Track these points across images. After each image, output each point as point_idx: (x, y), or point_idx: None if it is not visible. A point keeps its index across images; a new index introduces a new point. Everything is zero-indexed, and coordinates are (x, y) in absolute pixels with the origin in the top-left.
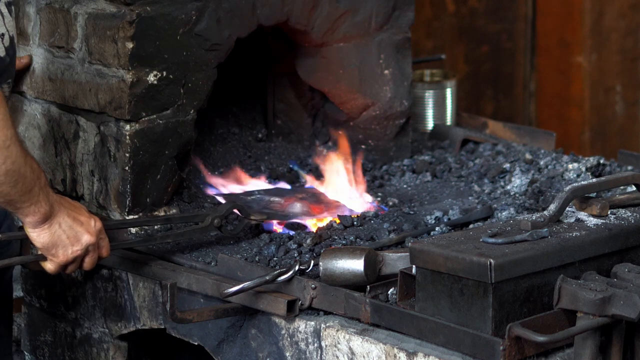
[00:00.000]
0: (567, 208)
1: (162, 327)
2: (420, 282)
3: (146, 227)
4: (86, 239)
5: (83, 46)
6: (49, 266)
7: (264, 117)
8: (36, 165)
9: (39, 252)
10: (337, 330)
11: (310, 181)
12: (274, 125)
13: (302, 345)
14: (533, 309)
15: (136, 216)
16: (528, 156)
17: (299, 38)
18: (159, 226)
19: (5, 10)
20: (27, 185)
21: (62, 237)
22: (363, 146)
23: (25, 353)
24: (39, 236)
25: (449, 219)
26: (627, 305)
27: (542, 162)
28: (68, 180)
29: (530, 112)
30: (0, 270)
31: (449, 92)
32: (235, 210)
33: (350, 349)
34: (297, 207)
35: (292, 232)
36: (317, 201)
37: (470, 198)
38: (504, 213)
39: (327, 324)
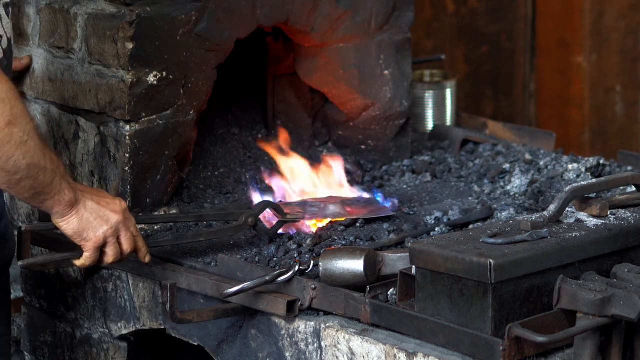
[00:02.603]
0: (567, 208)
1: (162, 327)
2: (420, 283)
3: (145, 227)
4: (114, 217)
5: (83, 47)
6: (86, 254)
7: (263, 118)
8: (54, 155)
9: (72, 241)
10: (337, 331)
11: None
12: (274, 126)
13: (302, 345)
14: (533, 309)
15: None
16: (528, 156)
17: (299, 38)
18: (158, 226)
19: (2, 12)
20: (48, 177)
21: (90, 219)
22: (363, 146)
23: (25, 353)
24: (68, 223)
25: (448, 219)
26: (627, 305)
27: (542, 163)
28: None
29: (530, 112)
30: (1, 268)
31: (448, 93)
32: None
33: (350, 349)
34: (331, 209)
35: (291, 232)
36: (368, 204)
37: (470, 198)
38: (503, 213)
39: (327, 325)
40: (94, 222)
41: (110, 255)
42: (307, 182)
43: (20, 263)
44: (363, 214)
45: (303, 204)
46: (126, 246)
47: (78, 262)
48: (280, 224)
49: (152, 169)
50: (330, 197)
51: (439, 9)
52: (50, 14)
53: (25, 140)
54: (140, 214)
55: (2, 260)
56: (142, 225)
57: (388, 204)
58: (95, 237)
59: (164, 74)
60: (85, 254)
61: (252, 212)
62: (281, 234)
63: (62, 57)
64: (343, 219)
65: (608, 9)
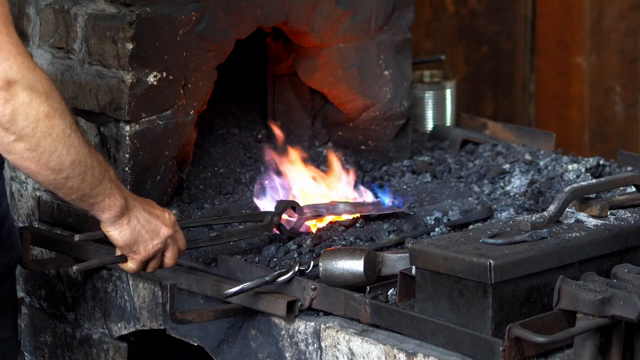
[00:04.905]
0: (567, 209)
1: (162, 327)
2: (420, 283)
3: None
4: (164, 231)
5: (83, 47)
6: (131, 266)
7: (263, 118)
8: (101, 157)
9: (119, 252)
10: (337, 331)
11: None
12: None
13: (302, 345)
14: (533, 309)
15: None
16: (528, 157)
17: (299, 39)
18: None
19: None
20: (96, 177)
21: (142, 232)
22: (363, 147)
23: (25, 354)
24: (120, 234)
25: (448, 219)
26: (627, 305)
27: (541, 163)
28: None
29: (529, 112)
30: (5, 272)
31: (448, 93)
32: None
33: (350, 349)
34: (340, 207)
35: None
36: (376, 205)
37: (469, 199)
38: (503, 214)
39: (327, 325)
40: (145, 235)
41: (151, 268)
42: (316, 190)
43: (75, 268)
44: (373, 212)
45: (313, 206)
46: (170, 261)
47: (124, 267)
48: (300, 222)
49: (152, 169)
50: (335, 201)
51: (438, 9)
52: (51, 15)
53: (68, 134)
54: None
55: (6, 264)
56: None
57: (395, 204)
58: (145, 251)
59: (164, 74)
60: (130, 265)
61: (275, 211)
62: (300, 233)
63: (62, 58)
64: (355, 215)
65: (608, 10)
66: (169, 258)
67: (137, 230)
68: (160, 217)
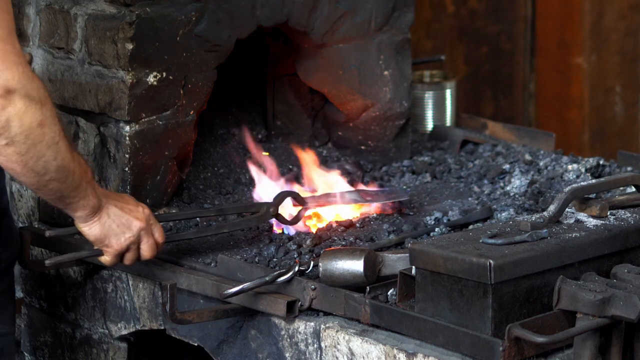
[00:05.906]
0: (567, 209)
1: (162, 327)
2: (420, 283)
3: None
4: (136, 224)
5: (83, 47)
6: (106, 258)
7: (263, 118)
8: (82, 160)
9: (94, 246)
10: (337, 331)
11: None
12: (273, 126)
13: (302, 346)
14: (533, 309)
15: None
16: (527, 157)
17: (299, 39)
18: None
19: None
20: (75, 180)
21: (112, 226)
22: (363, 147)
23: (25, 354)
24: (90, 229)
25: (448, 219)
26: (627, 306)
27: (541, 163)
28: None
29: (529, 113)
30: (5, 267)
31: (448, 93)
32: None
33: (350, 349)
34: (347, 197)
35: (292, 233)
36: (384, 192)
37: (469, 199)
38: (503, 214)
39: (327, 325)
40: (116, 229)
41: (128, 260)
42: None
43: (47, 262)
44: (381, 200)
45: (321, 196)
46: (147, 253)
47: (101, 259)
48: (302, 212)
49: (151, 169)
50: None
51: (438, 9)
52: (50, 15)
53: (57, 141)
54: (161, 212)
55: (6, 260)
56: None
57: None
58: (117, 244)
59: (164, 74)
60: (106, 258)
61: (273, 202)
62: (299, 233)
63: (62, 58)
64: (361, 205)
65: (608, 10)
66: (145, 250)
67: (107, 225)
68: (133, 211)
